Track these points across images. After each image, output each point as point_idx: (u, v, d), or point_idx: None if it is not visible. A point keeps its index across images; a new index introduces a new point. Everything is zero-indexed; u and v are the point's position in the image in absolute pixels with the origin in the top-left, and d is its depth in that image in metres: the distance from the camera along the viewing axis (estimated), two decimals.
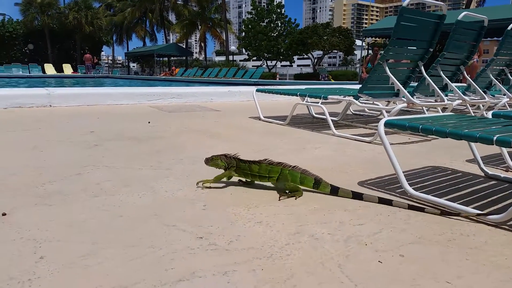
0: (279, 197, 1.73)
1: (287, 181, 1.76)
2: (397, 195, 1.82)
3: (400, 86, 3.40)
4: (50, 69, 27.92)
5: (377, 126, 1.90)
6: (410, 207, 1.64)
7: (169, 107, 5.44)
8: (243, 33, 37.99)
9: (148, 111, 4.98)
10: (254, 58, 38.47)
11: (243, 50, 45.47)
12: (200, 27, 42.66)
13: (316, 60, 36.09)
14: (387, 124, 1.83)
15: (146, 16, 45.44)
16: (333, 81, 20.57)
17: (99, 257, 1.17)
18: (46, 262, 1.13)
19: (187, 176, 2.05)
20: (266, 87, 5.38)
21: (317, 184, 1.78)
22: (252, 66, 35.79)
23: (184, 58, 38.78)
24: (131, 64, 47.23)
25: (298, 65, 45.22)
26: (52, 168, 2.17)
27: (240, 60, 43.41)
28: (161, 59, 39.02)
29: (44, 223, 1.41)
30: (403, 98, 3.55)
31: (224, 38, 39.70)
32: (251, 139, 3.30)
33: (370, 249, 1.28)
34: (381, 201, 1.69)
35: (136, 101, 5.49)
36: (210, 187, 1.85)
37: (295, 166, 1.80)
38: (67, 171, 2.09)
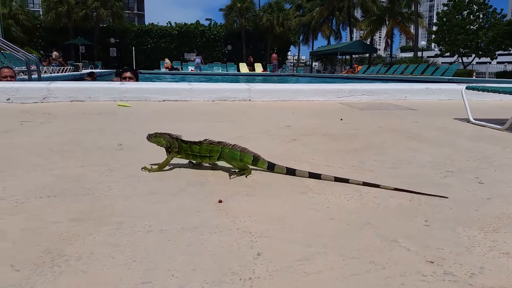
0: (229, 176, 1.82)
1: (232, 159, 1.84)
2: None
3: None
4: (243, 67, 30.95)
5: None
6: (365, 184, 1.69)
7: (359, 104, 5.22)
8: (435, 27, 34.74)
9: (339, 108, 4.87)
10: (447, 54, 34.78)
11: (432, 46, 41.66)
12: (387, 22, 40.93)
13: None
14: None
15: (333, 15, 46.03)
16: None
17: (317, 265, 1.06)
18: (264, 260, 1.08)
19: (392, 181, 1.81)
20: (475, 85, 4.63)
21: (256, 161, 1.88)
22: (442, 62, 32.30)
23: (366, 55, 37.80)
24: (313, 63, 48.53)
25: (498, 62, 38.73)
26: None
27: (428, 56, 39.60)
28: (343, 57, 38.91)
29: (256, 215, 1.39)
30: None
31: (414, 33, 37.10)
32: (462, 143, 2.83)
33: None
34: (310, 175, 1.80)
35: (326, 97, 5.46)
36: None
37: (234, 144, 1.87)
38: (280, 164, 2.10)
